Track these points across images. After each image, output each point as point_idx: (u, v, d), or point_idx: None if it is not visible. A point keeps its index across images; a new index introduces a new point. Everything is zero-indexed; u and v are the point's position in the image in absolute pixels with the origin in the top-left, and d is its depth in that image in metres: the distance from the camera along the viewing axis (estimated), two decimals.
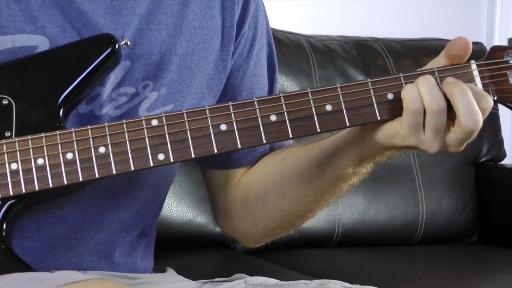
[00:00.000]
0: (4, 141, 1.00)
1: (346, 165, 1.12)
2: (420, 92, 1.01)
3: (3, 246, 1.00)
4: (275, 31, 2.21)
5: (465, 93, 1.00)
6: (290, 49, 2.20)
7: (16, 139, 1.00)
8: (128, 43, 1.06)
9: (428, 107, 1.00)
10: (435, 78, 1.03)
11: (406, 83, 1.03)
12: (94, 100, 1.09)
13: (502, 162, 2.41)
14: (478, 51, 2.36)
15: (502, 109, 2.41)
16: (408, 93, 1.01)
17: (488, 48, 2.48)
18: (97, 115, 1.09)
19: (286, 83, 2.16)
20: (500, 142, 2.39)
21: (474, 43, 2.49)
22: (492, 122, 2.36)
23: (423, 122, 1.01)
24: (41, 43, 1.05)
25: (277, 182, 1.20)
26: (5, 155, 1.00)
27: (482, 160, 2.34)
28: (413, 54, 2.31)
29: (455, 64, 1.05)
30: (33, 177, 0.99)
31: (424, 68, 1.06)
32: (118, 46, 1.05)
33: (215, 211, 1.31)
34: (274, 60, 1.29)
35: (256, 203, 1.23)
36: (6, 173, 0.99)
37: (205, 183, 1.31)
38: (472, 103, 1.00)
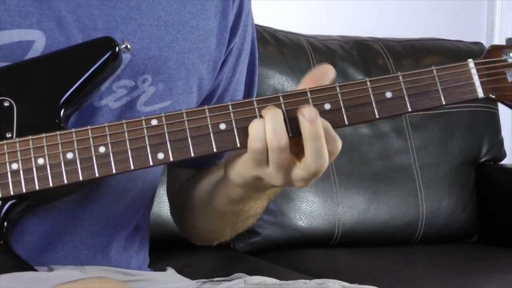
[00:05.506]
0: (5, 141, 1.01)
1: (224, 205, 1.12)
2: (264, 127, 0.98)
3: (1, 242, 1.01)
4: (275, 31, 2.21)
5: (318, 139, 0.98)
6: (290, 49, 2.20)
7: (17, 139, 1.01)
8: (129, 46, 1.06)
9: (269, 144, 0.98)
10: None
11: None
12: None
13: (502, 162, 2.41)
14: (478, 51, 2.36)
15: (502, 109, 2.42)
16: (253, 130, 0.99)
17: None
18: (96, 106, 1.09)
19: (286, 83, 2.17)
20: (500, 142, 2.39)
21: (474, 43, 2.50)
22: (492, 122, 2.36)
23: (267, 157, 0.99)
24: (38, 38, 1.05)
25: (190, 198, 1.23)
26: (6, 155, 1.00)
27: (482, 160, 2.34)
28: (413, 54, 2.30)
29: (453, 63, 1.05)
30: (33, 177, 1.00)
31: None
32: (119, 49, 1.05)
33: (168, 200, 1.36)
34: (255, 67, 1.30)
35: (183, 209, 1.27)
36: (7, 173, 1.00)
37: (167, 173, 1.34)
38: (322, 148, 0.98)
